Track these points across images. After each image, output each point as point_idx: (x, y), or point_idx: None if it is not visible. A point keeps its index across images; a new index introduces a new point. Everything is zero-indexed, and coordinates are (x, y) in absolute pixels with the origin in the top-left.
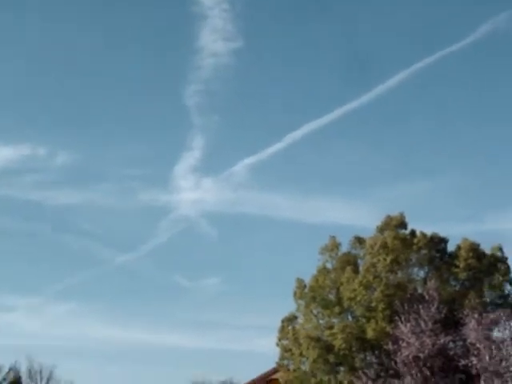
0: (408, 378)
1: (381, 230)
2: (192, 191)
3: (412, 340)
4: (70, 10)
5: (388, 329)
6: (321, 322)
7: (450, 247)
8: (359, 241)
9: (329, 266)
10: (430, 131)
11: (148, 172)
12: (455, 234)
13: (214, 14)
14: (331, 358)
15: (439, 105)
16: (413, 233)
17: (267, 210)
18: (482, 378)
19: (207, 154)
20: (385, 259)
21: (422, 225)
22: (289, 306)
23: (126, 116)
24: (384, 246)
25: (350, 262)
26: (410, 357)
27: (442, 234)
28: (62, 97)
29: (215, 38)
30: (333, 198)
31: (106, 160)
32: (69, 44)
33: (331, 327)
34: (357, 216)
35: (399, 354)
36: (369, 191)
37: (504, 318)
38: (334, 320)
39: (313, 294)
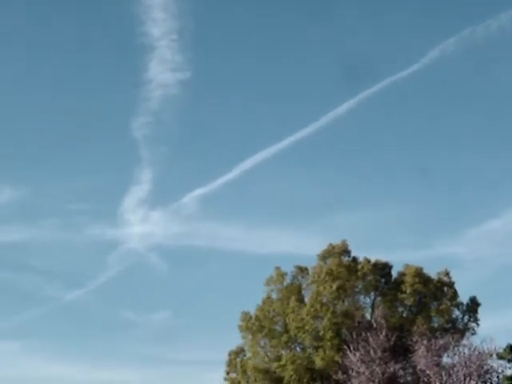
0: None
1: (323, 257)
2: (141, 225)
3: (362, 369)
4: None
5: (337, 358)
6: (268, 353)
7: (396, 274)
8: (301, 270)
9: (274, 296)
10: (372, 162)
11: (95, 206)
12: (404, 261)
13: (162, 44)
14: None
15: (381, 135)
16: (355, 260)
17: (216, 242)
18: None
19: (156, 186)
20: (331, 287)
21: (367, 253)
22: (236, 339)
23: (73, 150)
24: (329, 273)
25: (294, 291)
26: None
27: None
28: (5, 132)
29: (163, 69)
30: (280, 227)
31: (53, 195)
32: (18, 80)
33: (279, 359)
34: (301, 245)
35: (349, 383)
36: (315, 220)
37: (453, 343)
38: (282, 351)
39: (259, 325)
